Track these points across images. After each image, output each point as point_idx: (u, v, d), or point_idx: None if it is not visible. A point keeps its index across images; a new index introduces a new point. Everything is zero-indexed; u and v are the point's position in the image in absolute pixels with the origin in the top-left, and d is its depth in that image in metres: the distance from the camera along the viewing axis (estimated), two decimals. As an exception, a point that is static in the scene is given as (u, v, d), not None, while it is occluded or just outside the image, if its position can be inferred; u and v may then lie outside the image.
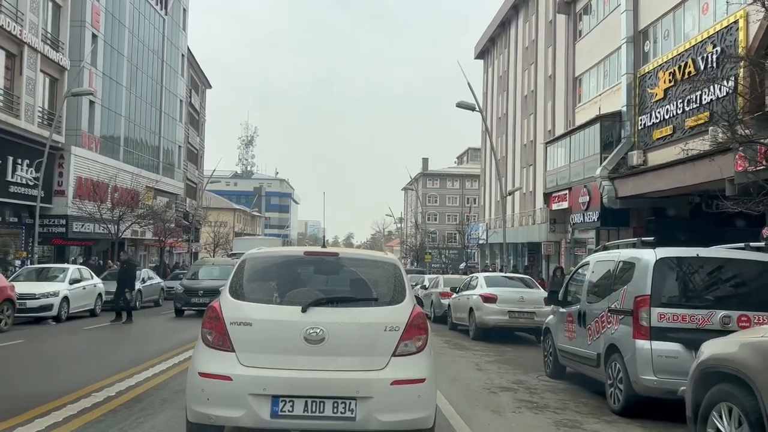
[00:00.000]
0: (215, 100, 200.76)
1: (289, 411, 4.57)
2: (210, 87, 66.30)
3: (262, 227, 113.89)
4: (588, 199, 26.11)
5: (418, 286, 25.12)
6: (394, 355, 4.75)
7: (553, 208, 31.37)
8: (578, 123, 29.38)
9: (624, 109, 24.55)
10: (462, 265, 53.21)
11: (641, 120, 23.66)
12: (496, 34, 48.11)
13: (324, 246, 5.95)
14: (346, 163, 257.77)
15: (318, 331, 4.68)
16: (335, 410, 4.57)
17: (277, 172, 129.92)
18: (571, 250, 31.74)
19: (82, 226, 30.07)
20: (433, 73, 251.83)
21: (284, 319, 4.77)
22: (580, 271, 8.68)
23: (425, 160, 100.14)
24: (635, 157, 23.54)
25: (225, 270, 20.24)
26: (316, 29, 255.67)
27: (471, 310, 14.63)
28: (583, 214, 26.60)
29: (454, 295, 16.92)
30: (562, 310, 8.85)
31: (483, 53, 52.74)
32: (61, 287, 16.97)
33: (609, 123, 25.54)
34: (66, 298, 17.01)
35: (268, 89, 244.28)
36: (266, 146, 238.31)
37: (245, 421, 4.59)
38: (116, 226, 28.67)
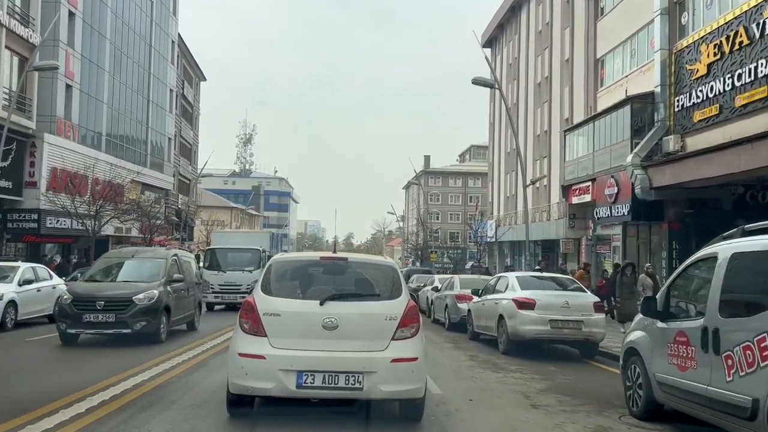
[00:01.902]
0: (214, 99, 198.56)
1: (310, 383, 5.70)
2: (204, 79, 63.75)
3: (261, 226, 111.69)
4: (616, 191, 23.44)
5: (429, 288, 22.46)
6: (393, 339, 5.86)
7: (573, 202, 28.70)
8: (601, 108, 26.80)
9: (657, 89, 21.91)
10: (469, 265, 50.60)
11: (678, 101, 21.01)
12: (505, 19, 45.46)
13: (335, 252, 6.72)
14: (345, 163, 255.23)
15: (333, 320, 5.81)
16: (347, 382, 5.70)
17: (276, 171, 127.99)
18: (592, 247, 29.09)
19: (57, 221, 27.37)
20: (433, 72, 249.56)
21: (306, 311, 5.90)
22: (696, 268, 5.98)
23: (427, 158, 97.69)
24: (671, 143, 20.89)
25: (156, 266, 13.32)
26: (315, 28, 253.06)
27: (501, 318, 11.93)
28: (610, 208, 23.93)
29: (476, 298, 14.22)
30: (661, 325, 6.16)
31: (491, 41, 50.06)
32: (6, 289, 14.19)
33: (640, 105, 22.89)
34: (13, 302, 14.26)
35: (268, 88, 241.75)
36: (265, 145, 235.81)
37: (276, 391, 5.75)
38: (93, 222, 25.91)
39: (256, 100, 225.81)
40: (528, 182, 23.05)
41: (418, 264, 65.41)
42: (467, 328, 14.87)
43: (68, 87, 29.06)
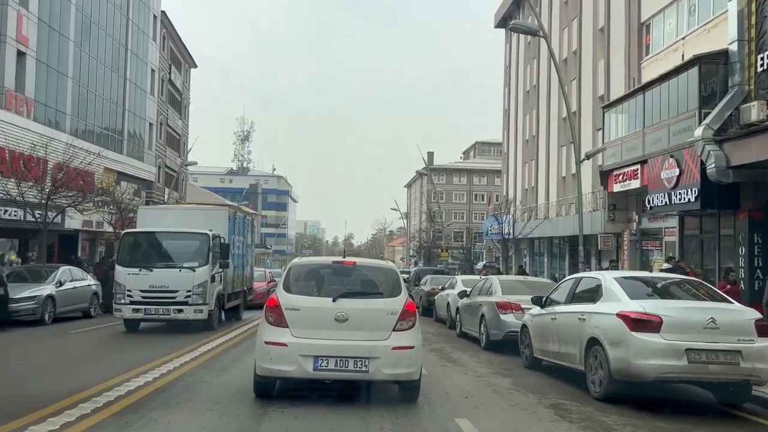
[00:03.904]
0: (212, 96, 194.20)
1: (325, 366, 6.75)
2: (195, 66, 59.51)
3: (259, 225, 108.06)
4: (677, 173, 19.17)
5: (450, 292, 18.20)
6: (393, 330, 6.95)
7: (615, 190, 24.42)
8: (646, 80, 22.61)
9: (733, 46, 17.67)
10: (480, 265, 46.35)
11: (762, 59, 16.75)
12: (522, -6, 41.12)
13: (344, 256, 8.05)
14: (345, 162, 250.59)
15: (343, 314, 6.88)
16: (355, 366, 6.76)
17: (275, 169, 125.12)
18: (636, 243, 24.76)
19: (5, 211, 23.02)
20: (434, 71, 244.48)
21: (321, 306, 7.00)
22: None
23: (430, 155, 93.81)
24: (754, 110, 16.61)
25: None
26: (314, 26, 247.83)
27: (593, 343, 7.55)
28: (669, 194, 19.61)
29: (536, 310, 9.91)
30: None
31: (504, 21, 45.77)
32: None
33: (709, 68, 18.61)
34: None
35: (266, 86, 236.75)
36: (264, 144, 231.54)
37: (296, 373, 6.80)
38: (44, 211, 21.53)
39: (255, 99, 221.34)
40: (582, 157, 18.65)
41: (420, 264, 61.28)
42: (521, 350, 10.53)
43: (21, 54, 24.72)
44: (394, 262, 12.12)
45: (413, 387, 7.18)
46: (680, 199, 19.07)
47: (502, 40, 47.57)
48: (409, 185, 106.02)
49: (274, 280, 25.94)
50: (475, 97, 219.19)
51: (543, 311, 9.55)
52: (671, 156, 19.54)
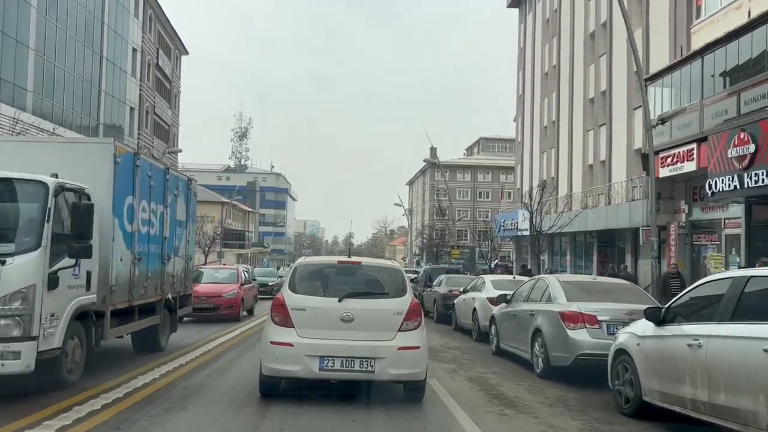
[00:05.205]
0: (209, 93, 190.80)
1: (331, 366, 6.77)
2: (186, 53, 56.23)
3: (257, 224, 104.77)
4: (752, 150, 15.69)
5: (476, 295, 14.71)
6: (399, 330, 6.99)
7: (661, 175, 20.83)
8: (696, 47, 19.15)
9: (826, -9, 14.17)
10: (494, 263, 42.77)
11: None
12: (539, -33, 37.68)
13: (349, 256, 8.14)
14: (345, 161, 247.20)
15: (349, 314, 6.90)
16: (361, 366, 6.79)
17: (273, 166, 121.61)
18: (685, 238, 21.19)
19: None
20: (434, 70, 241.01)
21: (327, 306, 7.01)
22: None
23: (433, 150, 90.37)
24: None
25: None
26: (314, 22, 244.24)
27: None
28: (739, 176, 16.07)
29: (646, 327, 6.37)
30: None
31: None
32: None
33: (795, 19, 15.15)
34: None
35: (266, 84, 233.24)
36: (262, 142, 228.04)
37: (302, 373, 6.81)
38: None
39: (255, 96, 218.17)
40: (655, 122, 15.13)
41: (424, 263, 57.82)
42: (614, 387, 6.99)
43: (-33, 16, 21.24)
44: (395, 261, 10.19)
45: (419, 387, 7.26)
46: (756, 182, 15.52)
47: (503, 34, 44.32)
48: (410, 182, 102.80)
49: (253, 281, 21.53)
50: (476, 95, 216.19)
51: (664, 331, 6.01)
52: (742, 129, 16.00)
